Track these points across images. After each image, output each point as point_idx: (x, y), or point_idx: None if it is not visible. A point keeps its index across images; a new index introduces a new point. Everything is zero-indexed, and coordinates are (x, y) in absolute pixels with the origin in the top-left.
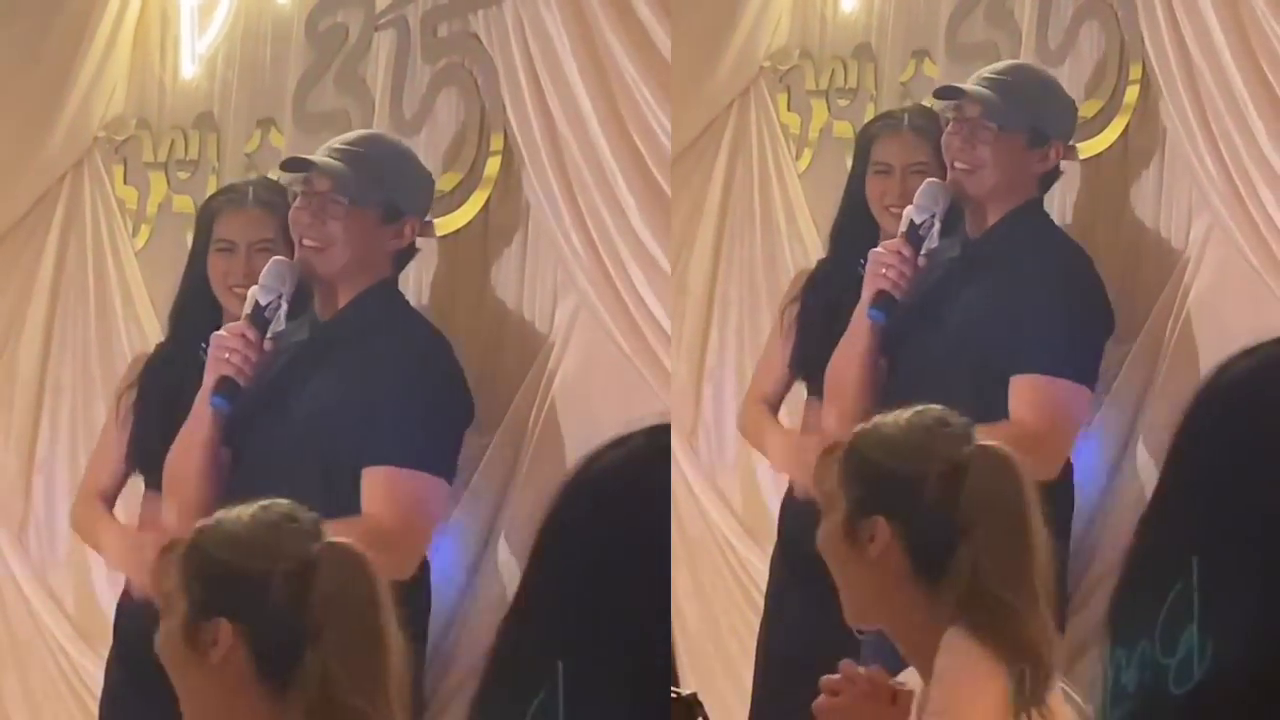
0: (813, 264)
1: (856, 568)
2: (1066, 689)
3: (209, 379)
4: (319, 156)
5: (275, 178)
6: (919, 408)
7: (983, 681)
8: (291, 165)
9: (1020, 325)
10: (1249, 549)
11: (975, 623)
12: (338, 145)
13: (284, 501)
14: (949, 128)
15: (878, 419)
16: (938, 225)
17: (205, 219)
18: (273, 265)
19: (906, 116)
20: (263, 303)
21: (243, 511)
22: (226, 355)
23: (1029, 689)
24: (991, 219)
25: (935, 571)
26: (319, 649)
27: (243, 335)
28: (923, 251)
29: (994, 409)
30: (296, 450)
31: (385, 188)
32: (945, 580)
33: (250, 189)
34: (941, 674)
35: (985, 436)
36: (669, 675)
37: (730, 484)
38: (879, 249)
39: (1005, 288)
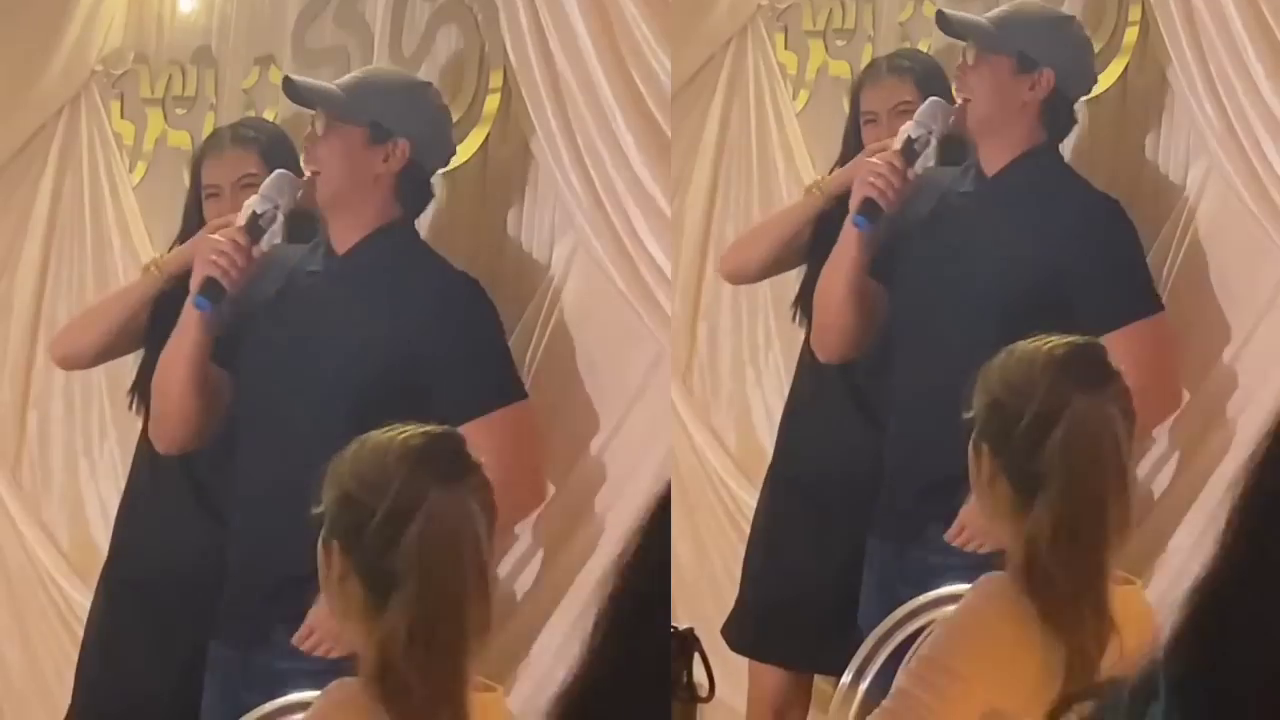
0: None
1: (974, 487)
2: None
3: (194, 280)
4: (311, 79)
5: (273, 115)
6: (1058, 340)
7: (999, 640)
8: (286, 89)
9: (1083, 280)
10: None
11: (1021, 577)
12: (344, 78)
13: (439, 431)
14: (958, 62)
15: (1021, 344)
16: (934, 144)
17: (195, 168)
18: (274, 176)
19: (885, 62)
20: (259, 211)
21: (392, 436)
22: (214, 257)
23: (1068, 675)
24: (1001, 158)
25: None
26: (408, 588)
27: (233, 240)
28: (917, 168)
29: None
30: (327, 391)
31: (372, 108)
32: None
33: (228, 130)
34: (956, 612)
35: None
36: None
37: (724, 423)
38: (870, 158)
39: (1043, 237)
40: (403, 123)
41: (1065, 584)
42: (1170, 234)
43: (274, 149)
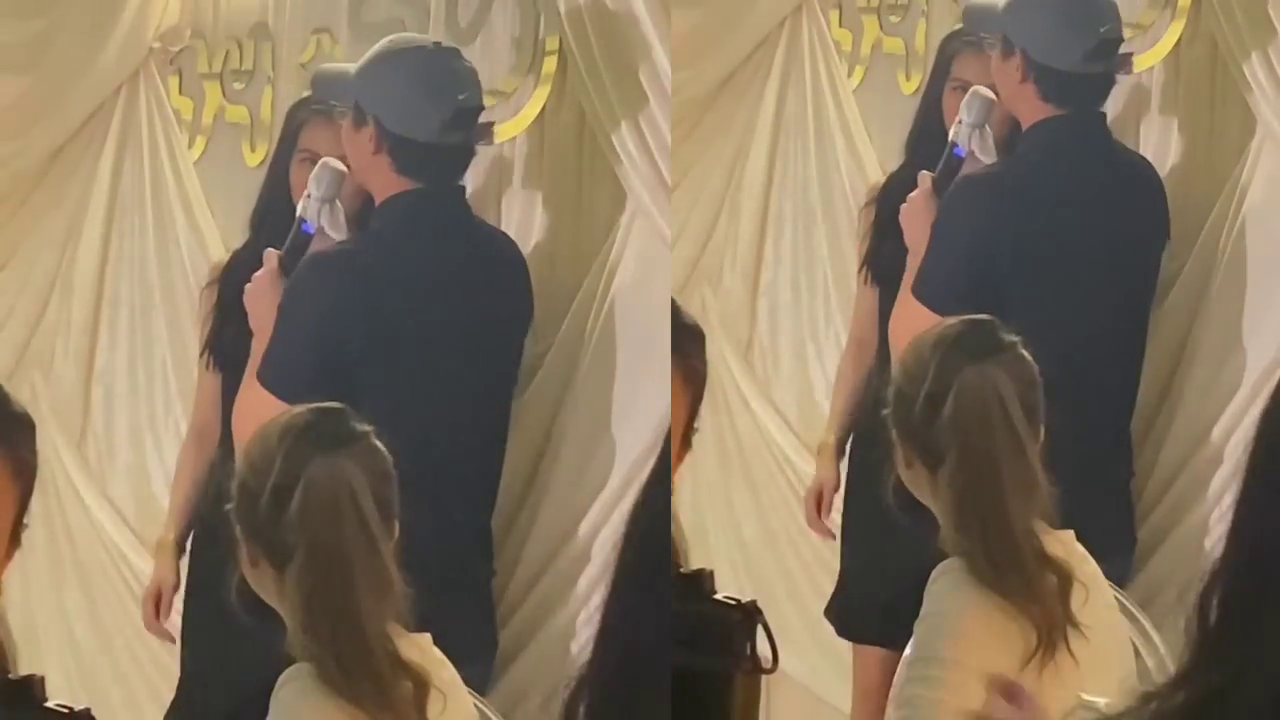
0: (869, 179)
1: (900, 474)
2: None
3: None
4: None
5: None
6: (954, 321)
7: (973, 618)
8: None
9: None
10: None
11: (963, 553)
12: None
13: (325, 406)
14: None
15: (922, 333)
16: (972, 133)
17: (291, 127)
18: (318, 166)
19: (987, 39)
20: (299, 209)
21: (279, 420)
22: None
23: (1037, 632)
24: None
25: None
26: (298, 559)
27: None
28: (980, 156)
29: None
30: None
31: (359, 91)
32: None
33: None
34: (926, 609)
35: None
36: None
37: (786, 398)
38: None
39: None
40: (373, 101)
41: (983, 547)
42: (1225, 208)
43: None
